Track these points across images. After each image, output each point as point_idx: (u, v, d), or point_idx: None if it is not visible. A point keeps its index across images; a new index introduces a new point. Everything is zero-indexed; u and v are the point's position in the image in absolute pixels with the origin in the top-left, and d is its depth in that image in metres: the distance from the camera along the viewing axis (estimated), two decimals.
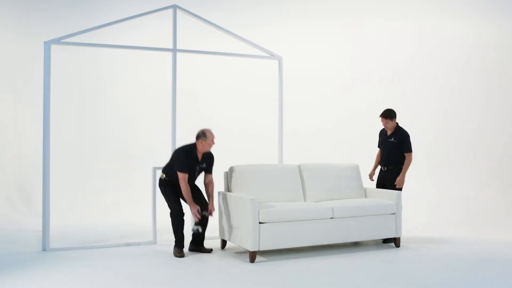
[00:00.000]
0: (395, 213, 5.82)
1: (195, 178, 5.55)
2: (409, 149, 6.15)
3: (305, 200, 5.94)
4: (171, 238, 5.61)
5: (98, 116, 8.89)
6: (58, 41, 5.63)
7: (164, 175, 5.50)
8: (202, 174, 5.60)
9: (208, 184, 5.52)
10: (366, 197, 6.28)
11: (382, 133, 6.43)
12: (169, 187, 5.44)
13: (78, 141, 8.75)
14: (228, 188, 5.74)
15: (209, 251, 5.53)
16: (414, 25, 8.87)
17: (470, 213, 7.80)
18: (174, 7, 6.12)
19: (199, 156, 5.43)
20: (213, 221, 5.74)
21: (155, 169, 5.98)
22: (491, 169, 8.39)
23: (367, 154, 6.86)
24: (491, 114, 8.57)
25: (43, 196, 5.61)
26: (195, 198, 5.40)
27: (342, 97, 8.99)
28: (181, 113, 6.64)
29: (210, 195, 5.50)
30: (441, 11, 8.77)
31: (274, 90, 6.89)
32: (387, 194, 5.98)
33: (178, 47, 6.20)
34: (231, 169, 5.73)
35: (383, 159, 6.34)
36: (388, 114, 6.19)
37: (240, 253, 5.50)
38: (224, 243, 5.79)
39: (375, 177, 6.52)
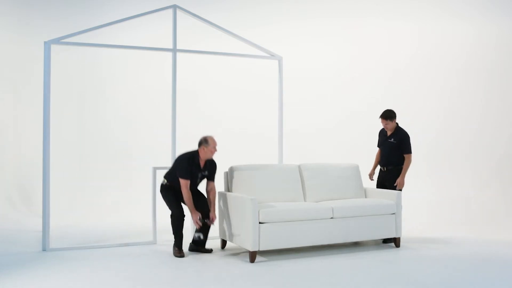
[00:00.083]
0: (395, 213, 5.82)
1: (197, 185, 5.55)
2: (408, 150, 6.14)
3: (305, 200, 5.94)
4: (171, 238, 5.60)
5: (98, 116, 8.89)
6: (58, 41, 5.63)
7: (166, 181, 5.50)
8: (204, 181, 5.59)
9: (210, 192, 5.50)
10: (366, 197, 6.28)
11: (382, 133, 6.42)
12: (170, 192, 5.44)
13: (78, 141, 8.75)
14: (228, 188, 5.74)
15: (209, 251, 5.53)
16: (414, 25, 8.87)
17: (470, 213, 7.80)
18: (174, 7, 6.12)
19: (201, 163, 5.43)
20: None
21: (155, 169, 5.98)
22: (491, 169, 8.39)
23: (367, 154, 6.85)
24: (491, 114, 8.57)
25: (43, 196, 5.61)
26: (197, 204, 5.41)
27: (342, 97, 8.99)
28: (181, 113, 6.65)
29: (211, 202, 5.48)
30: (441, 11, 8.77)
31: (274, 90, 6.89)
32: (387, 194, 5.98)
33: (178, 47, 6.20)
34: (231, 169, 5.73)
35: (382, 160, 6.33)
36: (388, 115, 6.18)
37: (240, 253, 5.50)
38: (224, 243, 5.79)
39: (375, 176, 6.52)
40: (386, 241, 6.02)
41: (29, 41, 8.55)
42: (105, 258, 5.22)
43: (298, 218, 5.29)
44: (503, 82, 8.54)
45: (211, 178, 5.53)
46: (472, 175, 8.41)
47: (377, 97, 8.65)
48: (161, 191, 5.53)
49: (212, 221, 5.41)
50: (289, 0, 9.20)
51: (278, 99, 6.71)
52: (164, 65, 7.57)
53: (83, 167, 8.68)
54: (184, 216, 5.39)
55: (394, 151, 6.19)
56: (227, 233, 5.55)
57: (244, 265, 4.98)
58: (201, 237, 5.41)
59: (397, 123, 6.25)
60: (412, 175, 6.55)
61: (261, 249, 5.09)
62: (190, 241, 5.64)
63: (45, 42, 5.60)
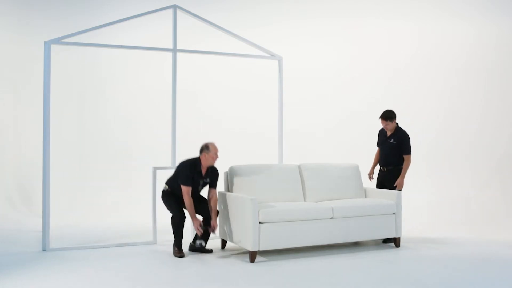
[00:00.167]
0: (395, 213, 5.82)
1: (198, 192, 5.55)
2: (408, 151, 6.14)
3: (305, 200, 5.94)
4: (171, 238, 5.60)
5: (98, 116, 8.89)
6: (58, 41, 5.63)
7: (167, 187, 5.50)
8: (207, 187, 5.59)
9: (211, 199, 5.46)
10: (366, 197, 6.28)
11: (382, 133, 6.42)
12: (171, 197, 5.44)
13: (78, 141, 8.76)
14: (228, 188, 5.74)
15: (209, 251, 5.53)
16: (414, 25, 8.87)
17: (470, 213, 7.80)
18: (174, 7, 6.12)
19: (203, 171, 5.42)
20: None
21: (155, 169, 5.98)
22: (491, 169, 8.39)
23: (367, 154, 6.85)
24: (491, 114, 8.56)
25: (43, 196, 5.61)
26: (199, 208, 5.41)
27: (342, 97, 8.99)
28: (181, 113, 6.65)
29: (212, 210, 5.44)
30: (441, 11, 8.76)
31: (274, 90, 6.89)
32: (387, 194, 5.98)
33: (178, 47, 6.20)
34: (231, 169, 5.73)
35: (382, 160, 6.33)
36: (388, 116, 6.17)
37: (240, 253, 5.50)
38: (224, 243, 5.79)
39: (375, 176, 6.52)
40: (386, 241, 6.02)
41: (29, 41, 8.55)
42: (105, 258, 5.22)
43: (298, 218, 5.29)
44: (503, 82, 8.53)
45: (213, 185, 5.50)
46: (472, 175, 8.41)
47: (377, 97, 8.65)
48: (162, 197, 5.52)
49: (213, 229, 5.39)
50: (289, 0, 9.20)
51: (278, 99, 6.71)
52: (164, 65, 7.57)
53: (83, 167, 8.68)
54: (185, 217, 5.39)
55: (394, 152, 6.18)
56: (227, 233, 5.55)
57: (244, 265, 4.98)
58: (203, 244, 5.41)
59: (397, 124, 6.25)
60: (412, 175, 6.55)
61: (261, 249, 5.09)
62: (190, 241, 5.64)
63: (45, 42, 5.60)
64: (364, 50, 9.05)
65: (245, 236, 5.13)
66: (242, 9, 9.05)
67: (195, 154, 5.49)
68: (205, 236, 5.43)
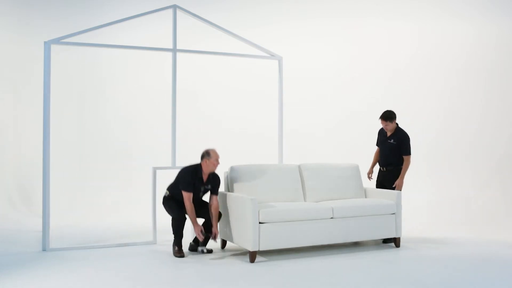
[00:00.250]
0: (395, 213, 5.82)
1: (199, 198, 5.54)
2: (408, 152, 6.13)
3: (305, 200, 5.94)
4: (171, 238, 5.60)
5: (98, 116, 8.89)
6: (58, 41, 5.63)
7: (168, 193, 5.50)
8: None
9: (212, 206, 5.43)
10: (366, 197, 6.28)
11: (382, 133, 6.41)
12: (172, 201, 5.43)
13: (78, 141, 8.76)
14: (228, 188, 5.74)
15: (210, 251, 5.53)
16: (414, 25, 8.87)
17: (470, 213, 7.80)
18: (174, 7, 6.12)
19: (204, 177, 5.40)
20: None
21: (155, 169, 5.98)
22: (491, 169, 8.39)
23: (367, 154, 6.85)
24: (491, 114, 8.56)
25: (43, 196, 5.61)
26: (200, 212, 5.40)
27: (342, 97, 8.99)
28: (181, 113, 6.65)
29: (213, 217, 5.42)
30: (441, 11, 8.77)
31: (274, 90, 6.89)
32: (387, 194, 5.98)
33: (178, 47, 6.19)
34: (231, 169, 5.73)
35: (382, 160, 6.33)
36: (388, 116, 6.16)
37: (240, 253, 5.50)
38: (224, 243, 5.79)
39: (374, 175, 6.52)
40: (386, 241, 6.02)
41: (29, 41, 8.55)
42: (105, 258, 5.22)
43: (298, 218, 5.29)
44: (503, 82, 8.53)
45: (214, 191, 5.47)
46: (472, 175, 8.41)
47: (377, 97, 8.65)
48: (163, 202, 5.51)
49: (215, 237, 5.38)
50: (289, 0, 9.20)
51: (278, 99, 6.71)
52: (164, 65, 7.57)
53: (83, 167, 8.68)
54: (185, 219, 5.39)
55: (393, 152, 6.18)
56: (227, 233, 5.55)
57: (244, 265, 4.98)
58: (205, 251, 5.41)
59: (397, 124, 6.24)
60: (412, 175, 6.55)
61: (261, 249, 5.09)
62: (191, 241, 5.63)
63: (45, 42, 5.60)
64: (364, 50, 9.05)
65: (245, 236, 5.13)
66: (242, 9, 9.05)
67: (195, 154, 5.50)
68: (205, 240, 5.43)
